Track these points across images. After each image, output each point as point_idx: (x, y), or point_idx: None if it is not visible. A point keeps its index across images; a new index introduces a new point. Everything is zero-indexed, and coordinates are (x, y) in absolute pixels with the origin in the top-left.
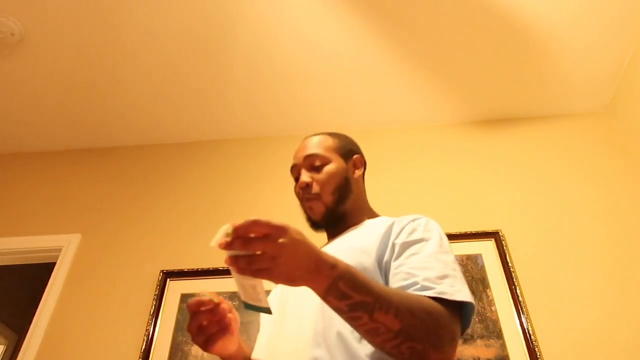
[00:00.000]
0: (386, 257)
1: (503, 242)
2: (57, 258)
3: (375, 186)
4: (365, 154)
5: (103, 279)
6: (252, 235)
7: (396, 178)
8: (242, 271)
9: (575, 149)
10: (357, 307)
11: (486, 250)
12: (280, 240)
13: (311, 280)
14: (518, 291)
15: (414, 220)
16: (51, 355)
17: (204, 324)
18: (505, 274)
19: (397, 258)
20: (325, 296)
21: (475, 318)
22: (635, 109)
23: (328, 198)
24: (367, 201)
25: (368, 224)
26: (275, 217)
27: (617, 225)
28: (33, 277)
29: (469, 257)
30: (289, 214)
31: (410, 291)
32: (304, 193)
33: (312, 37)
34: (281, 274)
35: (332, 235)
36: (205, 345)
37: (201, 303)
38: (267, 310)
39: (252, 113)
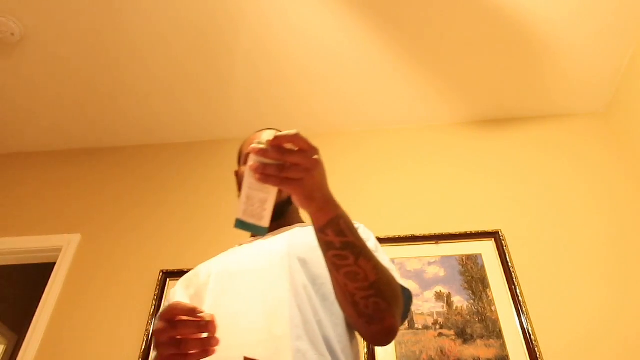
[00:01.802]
0: None
1: (503, 242)
2: (57, 258)
3: (375, 186)
4: (365, 153)
5: (103, 279)
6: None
7: (396, 178)
8: (267, 179)
9: (575, 149)
10: (348, 247)
11: (486, 250)
12: (315, 157)
13: (321, 207)
14: (518, 291)
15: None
16: (51, 355)
17: (177, 337)
18: (505, 274)
19: None
20: (324, 228)
21: (475, 318)
22: (636, 109)
23: None
24: None
25: (300, 226)
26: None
27: (617, 225)
28: (33, 277)
29: (469, 257)
30: None
31: None
32: None
33: (312, 36)
34: (308, 187)
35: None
36: None
37: (183, 310)
38: (263, 231)
39: (254, 112)
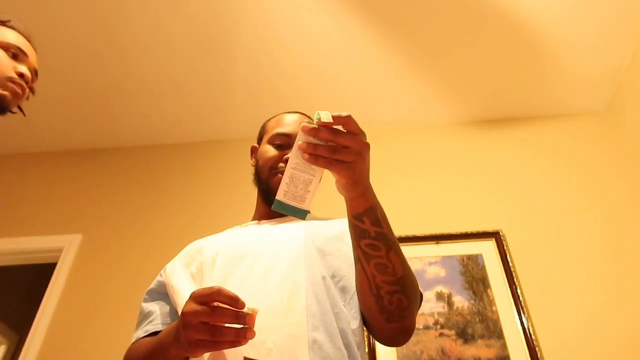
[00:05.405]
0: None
1: (503, 242)
2: (58, 258)
3: (374, 186)
4: None
5: (104, 279)
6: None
7: (396, 178)
8: (316, 159)
9: (575, 149)
10: (382, 238)
11: (487, 250)
12: (365, 140)
13: (362, 193)
14: (518, 291)
15: None
16: (52, 355)
17: (210, 322)
18: (506, 274)
19: None
20: (362, 215)
21: (475, 318)
22: (636, 109)
23: None
24: None
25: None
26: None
27: (617, 225)
28: (34, 277)
29: (470, 257)
30: None
31: None
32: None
33: (314, 37)
34: (357, 171)
35: (271, 216)
36: (199, 348)
37: (224, 297)
38: (303, 214)
39: (256, 112)
